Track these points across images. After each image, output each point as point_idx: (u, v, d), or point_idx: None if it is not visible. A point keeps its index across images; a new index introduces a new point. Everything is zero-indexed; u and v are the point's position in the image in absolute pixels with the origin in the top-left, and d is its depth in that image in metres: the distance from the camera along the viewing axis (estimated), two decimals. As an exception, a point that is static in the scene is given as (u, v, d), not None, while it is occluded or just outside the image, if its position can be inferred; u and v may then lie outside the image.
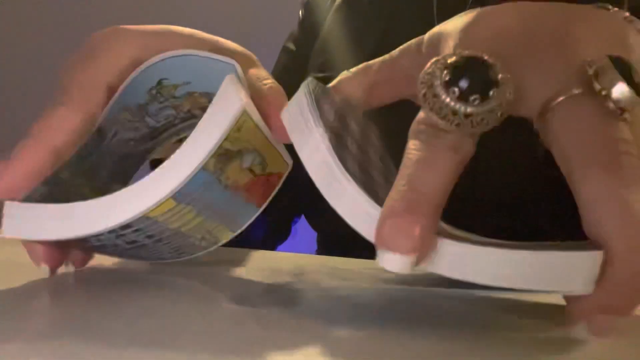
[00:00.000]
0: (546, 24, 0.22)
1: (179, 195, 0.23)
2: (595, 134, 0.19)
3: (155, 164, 0.29)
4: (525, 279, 0.18)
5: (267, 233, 0.54)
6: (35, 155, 0.25)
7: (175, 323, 0.21)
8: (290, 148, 0.25)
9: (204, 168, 0.23)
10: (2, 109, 1.57)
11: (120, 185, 0.30)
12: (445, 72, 0.20)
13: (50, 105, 0.27)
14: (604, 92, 0.19)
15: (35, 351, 0.17)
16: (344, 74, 0.28)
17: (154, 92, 0.29)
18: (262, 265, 0.33)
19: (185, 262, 0.32)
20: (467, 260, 0.18)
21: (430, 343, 0.19)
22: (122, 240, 0.25)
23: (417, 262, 0.18)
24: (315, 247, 0.57)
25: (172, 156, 0.23)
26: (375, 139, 0.28)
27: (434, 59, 0.21)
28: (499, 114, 0.20)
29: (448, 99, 0.20)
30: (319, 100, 0.23)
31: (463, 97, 0.20)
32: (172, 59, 0.28)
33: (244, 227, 0.31)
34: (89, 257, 0.30)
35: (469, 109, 0.20)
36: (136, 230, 0.24)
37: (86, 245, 0.26)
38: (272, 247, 0.57)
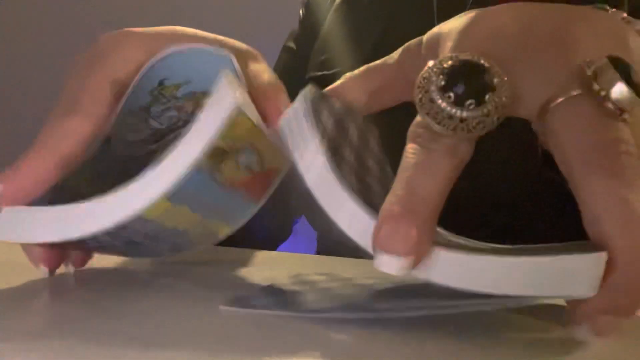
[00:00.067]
0: (545, 25, 0.22)
1: (173, 196, 0.23)
2: (595, 135, 0.19)
3: None
4: (527, 286, 0.18)
5: (269, 233, 0.54)
6: (44, 164, 0.24)
7: (175, 323, 0.21)
8: None
9: (197, 168, 0.23)
10: (2, 109, 1.57)
11: None
12: (440, 77, 0.20)
13: (58, 111, 0.26)
14: (603, 93, 0.19)
15: (35, 351, 0.17)
16: (344, 78, 0.28)
17: (155, 92, 0.29)
18: (262, 265, 0.33)
19: (185, 263, 0.32)
20: (462, 268, 0.18)
21: (431, 343, 0.19)
22: (119, 240, 0.25)
23: (414, 265, 0.18)
24: (315, 247, 0.57)
25: (165, 157, 0.23)
26: (375, 143, 0.28)
27: (430, 63, 0.21)
28: (495, 118, 0.20)
29: (444, 104, 0.20)
30: (317, 109, 0.23)
31: (459, 102, 0.20)
32: (170, 57, 0.28)
33: (244, 222, 0.30)
34: (88, 257, 0.30)
35: (464, 114, 0.20)
36: (132, 231, 0.24)
37: (84, 246, 0.26)
38: (273, 247, 0.57)
